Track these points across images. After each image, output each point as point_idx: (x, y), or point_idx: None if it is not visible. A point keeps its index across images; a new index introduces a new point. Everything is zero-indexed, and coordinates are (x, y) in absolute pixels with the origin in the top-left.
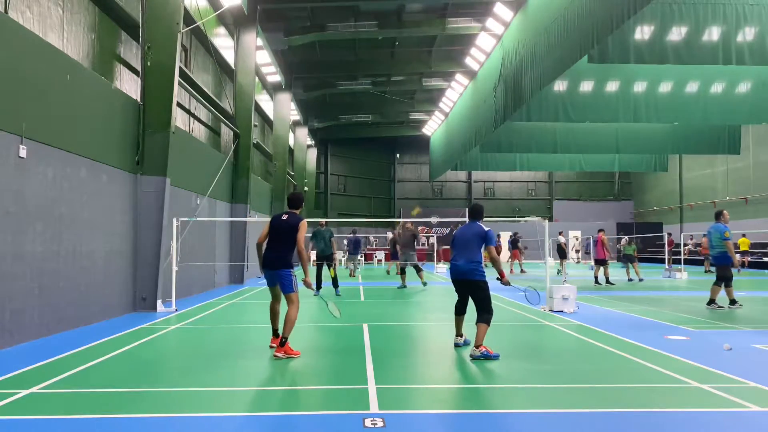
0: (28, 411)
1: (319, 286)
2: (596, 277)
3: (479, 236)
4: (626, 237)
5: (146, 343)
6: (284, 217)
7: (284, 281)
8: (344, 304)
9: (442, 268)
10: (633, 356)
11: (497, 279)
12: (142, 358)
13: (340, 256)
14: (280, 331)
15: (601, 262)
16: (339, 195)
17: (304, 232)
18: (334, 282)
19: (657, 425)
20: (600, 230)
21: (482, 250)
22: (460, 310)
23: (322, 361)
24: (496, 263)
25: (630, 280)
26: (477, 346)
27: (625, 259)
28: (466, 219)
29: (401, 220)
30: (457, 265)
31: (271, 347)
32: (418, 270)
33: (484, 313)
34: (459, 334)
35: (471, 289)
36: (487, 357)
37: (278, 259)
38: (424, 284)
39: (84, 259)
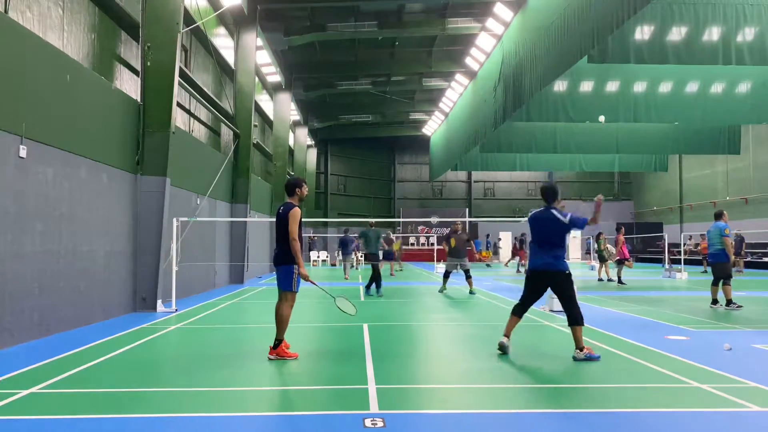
0: (28, 411)
1: (378, 285)
2: (619, 278)
3: (561, 231)
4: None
5: (146, 343)
6: (281, 209)
7: (281, 276)
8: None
9: (442, 268)
10: (633, 356)
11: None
12: (142, 359)
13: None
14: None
15: (620, 262)
16: (339, 195)
17: (294, 220)
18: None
19: (657, 425)
20: (619, 229)
21: (568, 238)
22: (518, 311)
23: (323, 361)
24: (593, 220)
25: (600, 279)
26: (580, 349)
27: (599, 259)
28: (467, 219)
29: (401, 220)
30: (536, 258)
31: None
32: (468, 275)
33: (574, 312)
34: (507, 334)
35: (553, 282)
36: (591, 359)
37: (279, 254)
38: (473, 292)
39: (84, 259)
